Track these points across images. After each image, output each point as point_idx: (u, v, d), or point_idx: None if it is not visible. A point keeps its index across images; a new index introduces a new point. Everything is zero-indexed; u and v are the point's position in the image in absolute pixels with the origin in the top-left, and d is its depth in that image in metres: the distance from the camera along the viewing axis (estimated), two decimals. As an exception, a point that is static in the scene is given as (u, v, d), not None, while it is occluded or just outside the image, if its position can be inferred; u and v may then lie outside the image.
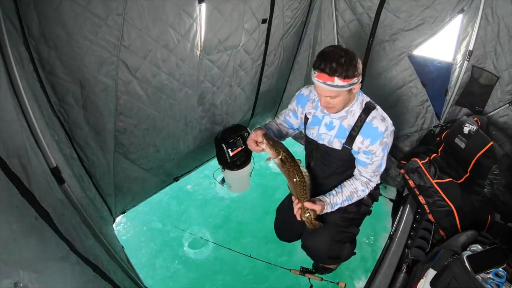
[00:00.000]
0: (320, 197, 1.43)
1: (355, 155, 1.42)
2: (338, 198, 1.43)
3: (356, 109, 1.34)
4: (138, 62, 1.41)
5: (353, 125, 1.35)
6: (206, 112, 2.02)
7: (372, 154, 1.35)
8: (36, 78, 1.12)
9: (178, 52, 1.55)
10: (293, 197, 1.41)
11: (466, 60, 1.90)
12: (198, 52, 1.66)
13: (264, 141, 1.31)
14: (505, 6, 1.67)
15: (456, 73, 2.00)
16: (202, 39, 1.63)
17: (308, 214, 1.40)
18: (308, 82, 2.67)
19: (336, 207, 1.44)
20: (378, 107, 1.36)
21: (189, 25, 1.51)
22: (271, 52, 2.18)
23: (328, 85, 1.17)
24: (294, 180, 1.34)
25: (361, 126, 1.33)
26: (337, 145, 1.41)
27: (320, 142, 1.47)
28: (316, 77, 1.19)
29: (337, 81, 1.16)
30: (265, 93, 2.47)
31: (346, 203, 1.45)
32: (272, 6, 1.90)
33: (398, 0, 1.95)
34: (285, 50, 2.32)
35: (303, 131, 1.59)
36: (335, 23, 2.27)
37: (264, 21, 1.93)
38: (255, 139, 1.34)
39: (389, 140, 1.34)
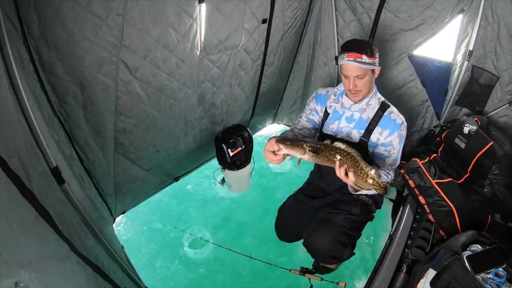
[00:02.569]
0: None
1: (373, 148, 1.47)
2: None
3: (374, 103, 1.45)
4: (138, 62, 1.41)
5: (371, 118, 1.45)
6: (206, 112, 2.02)
7: (390, 145, 1.43)
8: (36, 78, 1.12)
9: (178, 52, 1.55)
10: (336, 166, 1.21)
11: (466, 60, 1.90)
12: (198, 52, 1.66)
13: (281, 145, 1.20)
14: (505, 6, 1.68)
15: (456, 73, 2.00)
16: (202, 39, 1.63)
17: (371, 180, 1.17)
18: (308, 82, 2.67)
19: None
20: (392, 105, 1.48)
21: (189, 25, 1.51)
22: (271, 52, 2.18)
23: (358, 62, 1.29)
24: (335, 159, 1.18)
25: (378, 120, 1.44)
26: (356, 136, 1.48)
27: (338, 136, 1.52)
28: (346, 57, 1.31)
29: (365, 58, 1.29)
30: (265, 93, 2.47)
31: None
32: (272, 6, 1.90)
33: (398, 0, 1.95)
34: (285, 50, 2.32)
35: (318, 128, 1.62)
36: (335, 23, 2.27)
37: (264, 21, 1.93)
38: (272, 149, 1.24)
39: (404, 134, 1.44)
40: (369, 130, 1.44)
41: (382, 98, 1.48)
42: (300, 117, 1.66)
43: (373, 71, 1.36)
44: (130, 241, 2.37)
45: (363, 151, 1.47)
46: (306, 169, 1.89)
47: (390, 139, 1.42)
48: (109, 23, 1.20)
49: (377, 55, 1.34)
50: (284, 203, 1.92)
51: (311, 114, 1.63)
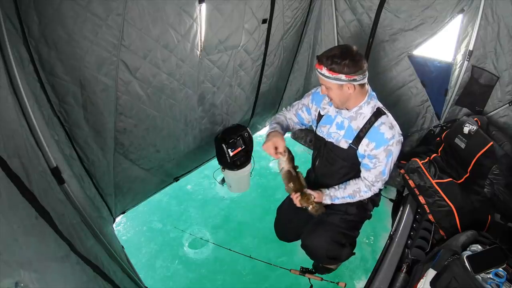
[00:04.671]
0: (321, 189, 1.52)
1: (361, 159, 1.44)
2: (339, 193, 1.49)
3: (366, 112, 1.38)
4: (138, 62, 1.41)
5: (361, 126, 1.39)
6: (206, 112, 2.02)
7: (375, 159, 1.38)
8: (36, 78, 1.12)
9: (178, 52, 1.55)
10: (292, 194, 1.52)
11: (466, 60, 1.90)
12: (198, 52, 1.66)
13: (286, 154, 1.46)
14: (505, 6, 1.68)
15: (456, 73, 2.00)
16: (202, 39, 1.63)
17: (306, 199, 1.49)
18: (308, 82, 2.67)
19: (336, 201, 1.50)
20: (389, 114, 1.39)
21: (189, 25, 1.51)
22: (271, 52, 2.18)
23: (318, 72, 1.30)
24: (290, 185, 1.51)
25: (368, 129, 1.37)
26: (344, 144, 1.46)
27: (329, 140, 1.51)
28: (315, 64, 1.33)
29: (324, 70, 1.26)
30: (265, 93, 2.47)
31: (348, 200, 1.50)
32: (272, 6, 1.90)
33: (398, 0, 1.95)
34: (285, 50, 2.32)
35: (313, 127, 1.63)
36: (335, 23, 2.27)
37: (264, 21, 1.93)
38: (276, 145, 1.43)
39: (394, 149, 1.35)
40: (358, 138, 1.39)
41: (378, 105, 1.40)
42: (292, 107, 1.66)
43: (340, 86, 1.28)
44: (130, 241, 2.37)
45: (350, 157, 1.46)
46: (305, 170, 1.89)
47: (375, 152, 1.35)
48: (109, 23, 1.20)
49: (344, 71, 1.23)
50: (282, 203, 1.93)
51: (301, 110, 1.62)
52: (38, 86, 1.14)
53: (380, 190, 1.63)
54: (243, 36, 1.86)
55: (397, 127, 1.37)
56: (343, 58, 1.23)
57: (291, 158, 1.50)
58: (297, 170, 1.53)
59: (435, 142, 2.07)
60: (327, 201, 1.52)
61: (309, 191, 1.50)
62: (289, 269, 1.82)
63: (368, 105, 1.37)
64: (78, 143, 1.39)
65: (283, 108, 1.72)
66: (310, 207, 1.51)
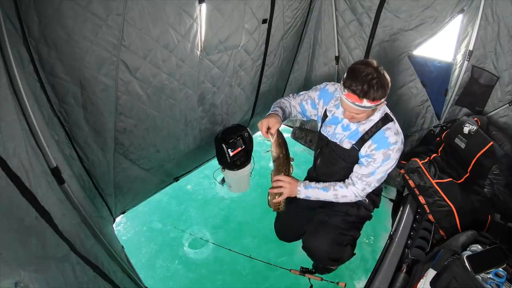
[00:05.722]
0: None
1: (360, 159, 1.44)
2: (313, 184, 1.53)
3: (375, 117, 1.38)
4: (138, 62, 1.40)
5: (367, 129, 1.38)
6: (206, 112, 2.02)
7: (371, 158, 1.37)
8: (36, 78, 1.12)
9: (178, 52, 1.55)
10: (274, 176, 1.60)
11: (466, 60, 1.90)
12: (198, 52, 1.66)
13: (275, 137, 1.50)
14: (505, 6, 1.68)
15: (456, 73, 2.00)
16: (202, 39, 1.63)
17: (273, 194, 1.60)
18: (308, 83, 2.67)
19: (309, 189, 1.53)
20: (395, 121, 1.40)
21: (189, 25, 1.51)
22: (271, 52, 2.18)
23: (357, 105, 1.21)
24: (280, 173, 1.58)
25: (375, 132, 1.37)
26: (347, 145, 1.46)
27: (332, 140, 1.51)
28: (345, 95, 1.22)
29: (366, 102, 1.19)
30: (265, 93, 2.47)
31: (321, 192, 1.51)
32: (272, 6, 1.90)
33: (398, 0, 1.95)
34: (285, 50, 2.32)
35: (318, 124, 1.63)
36: (335, 23, 2.27)
37: (264, 21, 1.93)
38: (269, 126, 1.47)
39: (393, 155, 1.35)
40: (363, 140, 1.40)
41: (387, 111, 1.40)
42: (298, 96, 1.67)
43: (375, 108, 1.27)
44: (130, 241, 2.37)
45: (352, 158, 1.46)
46: (305, 169, 1.89)
47: (374, 153, 1.36)
48: (109, 23, 1.20)
49: (384, 95, 1.21)
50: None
51: (305, 101, 1.61)
52: (38, 86, 1.14)
53: (380, 191, 1.63)
54: (243, 36, 1.86)
55: (401, 136, 1.37)
56: (381, 83, 1.17)
57: (279, 143, 1.52)
58: (291, 161, 1.58)
59: (435, 142, 2.08)
60: (301, 186, 1.53)
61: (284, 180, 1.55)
62: (289, 269, 1.82)
63: (378, 112, 1.37)
64: (78, 143, 1.39)
65: (290, 95, 1.72)
66: (269, 197, 1.64)
